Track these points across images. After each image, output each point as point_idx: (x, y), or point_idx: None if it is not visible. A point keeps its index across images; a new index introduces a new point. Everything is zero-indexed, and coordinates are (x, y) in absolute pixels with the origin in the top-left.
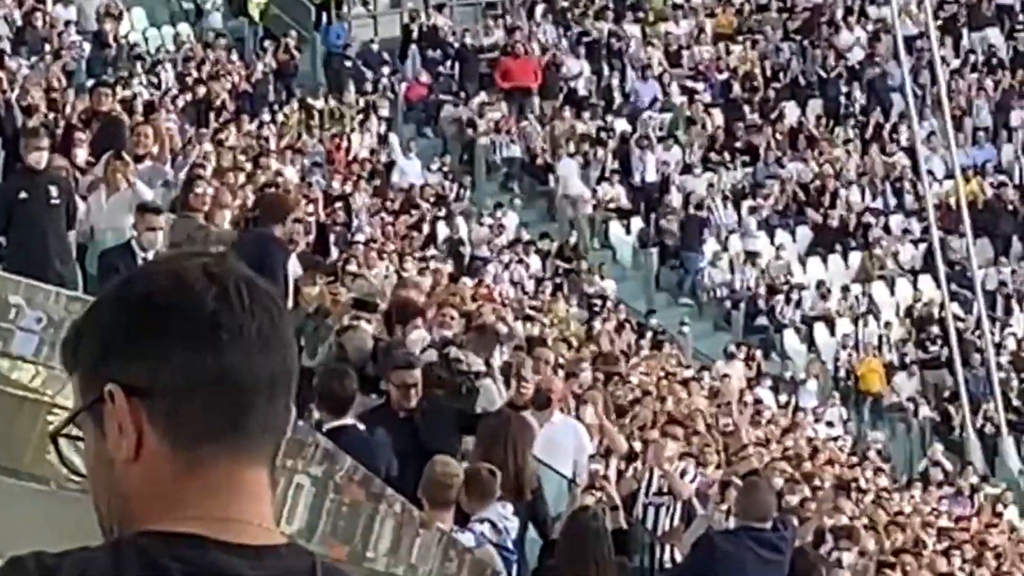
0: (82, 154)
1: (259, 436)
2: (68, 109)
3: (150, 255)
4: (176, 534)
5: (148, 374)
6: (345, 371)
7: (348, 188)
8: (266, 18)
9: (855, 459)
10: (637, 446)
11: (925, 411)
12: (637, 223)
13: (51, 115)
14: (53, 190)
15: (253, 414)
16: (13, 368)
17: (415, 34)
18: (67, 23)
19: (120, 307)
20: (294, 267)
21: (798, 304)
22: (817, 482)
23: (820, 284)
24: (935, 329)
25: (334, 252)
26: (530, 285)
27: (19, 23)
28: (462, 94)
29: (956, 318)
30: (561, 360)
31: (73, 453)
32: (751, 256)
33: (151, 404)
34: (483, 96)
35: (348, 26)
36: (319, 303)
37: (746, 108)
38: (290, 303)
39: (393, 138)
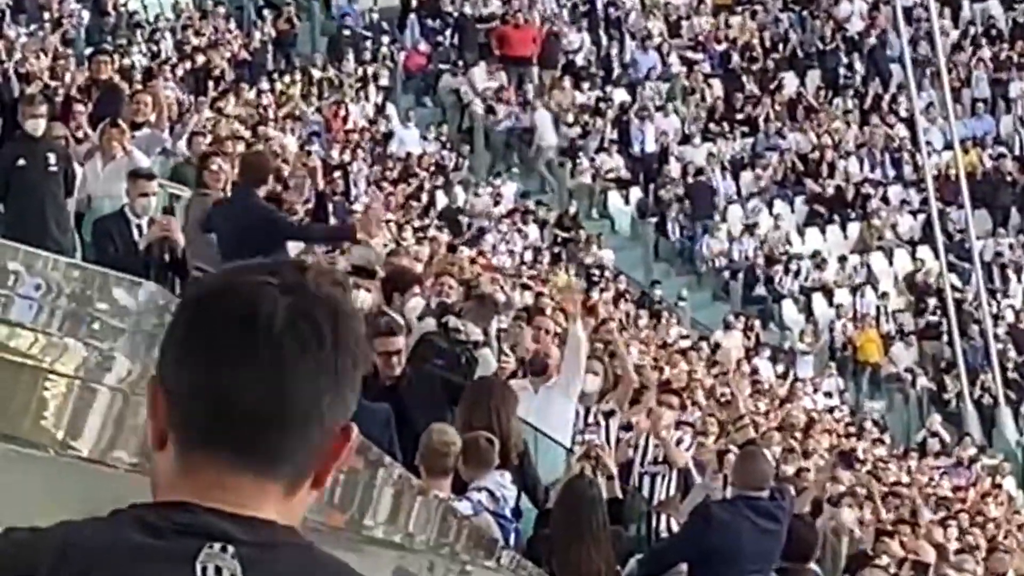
0: (83, 123)
1: (266, 460)
2: (67, 78)
3: (143, 221)
4: (170, 502)
5: (171, 373)
6: None
7: (347, 157)
8: None
9: (852, 429)
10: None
11: (923, 382)
12: (636, 193)
13: (52, 84)
14: (51, 157)
15: (257, 439)
16: (12, 335)
17: (414, 3)
18: None
19: (182, 302)
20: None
21: (796, 274)
22: (814, 452)
23: (817, 254)
24: (933, 300)
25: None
26: (528, 254)
27: None
28: (460, 63)
29: (954, 289)
30: (558, 330)
31: None
32: (749, 226)
33: (171, 401)
34: (482, 66)
35: None
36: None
37: (745, 79)
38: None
39: (392, 107)
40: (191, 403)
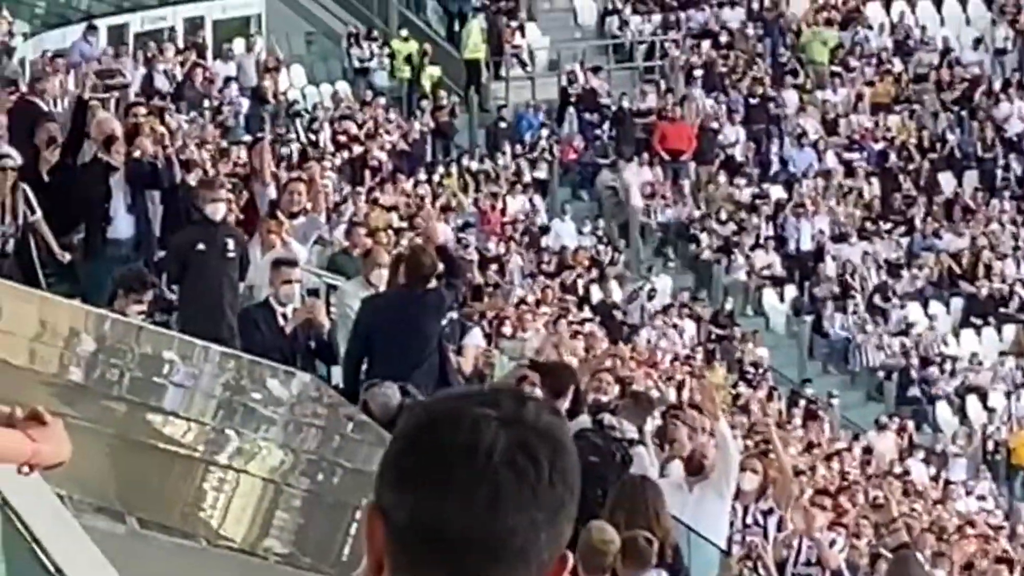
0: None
1: None
2: (228, 165)
3: (288, 309)
4: None
5: (389, 501)
6: None
7: (502, 249)
8: (434, 84)
9: (1006, 533)
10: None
11: None
12: (791, 291)
13: (212, 170)
14: (230, 242)
15: (472, 572)
16: (165, 423)
17: (572, 96)
18: (227, 79)
19: (401, 429)
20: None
21: (951, 376)
22: (967, 556)
23: (973, 356)
24: None
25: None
26: (684, 351)
27: (179, 78)
28: (617, 157)
29: None
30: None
31: None
32: (905, 327)
33: (389, 528)
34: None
35: (506, 87)
36: (475, 365)
37: (902, 178)
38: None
39: (548, 200)
40: (408, 532)
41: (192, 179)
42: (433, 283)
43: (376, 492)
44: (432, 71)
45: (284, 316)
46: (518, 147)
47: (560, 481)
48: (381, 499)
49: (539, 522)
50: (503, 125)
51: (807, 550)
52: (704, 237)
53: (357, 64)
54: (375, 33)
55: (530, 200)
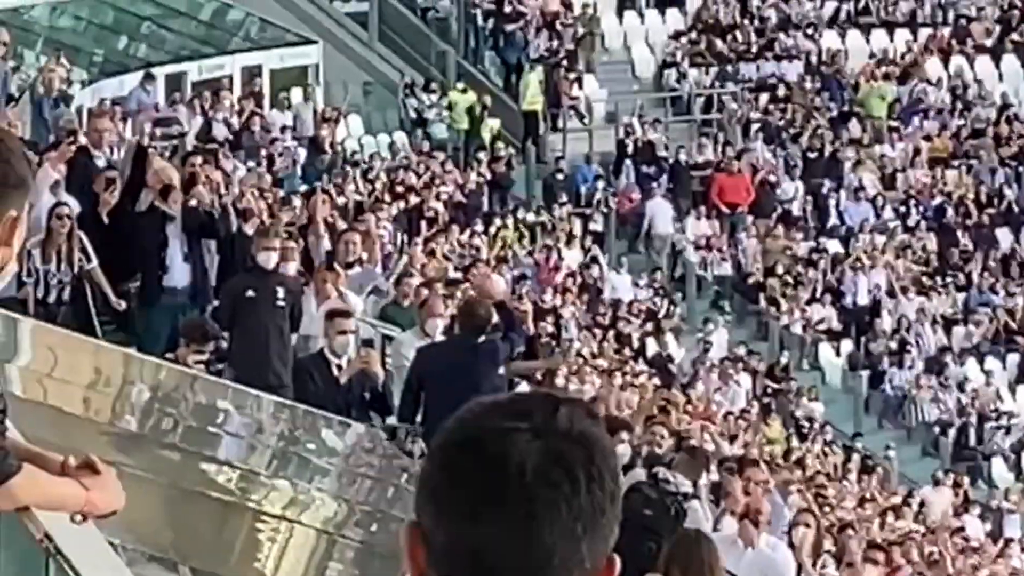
0: (293, 266)
1: None
2: (286, 214)
3: (343, 360)
4: None
5: (427, 521)
6: None
7: (558, 301)
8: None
9: None
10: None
11: None
12: (847, 345)
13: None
14: (280, 291)
15: None
16: (219, 472)
17: (629, 149)
18: (283, 128)
19: (434, 446)
20: None
21: (1007, 432)
22: None
23: None
24: None
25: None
26: (739, 404)
27: (237, 127)
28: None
29: None
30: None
31: None
32: (961, 382)
33: (429, 548)
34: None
35: (563, 139)
36: None
37: (959, 233)
38: None
39: (604, 252)
40: (446, 555)
41: (248, 228)
42: (488, 333)
43: (415, 510)
44: (490, 122)
45: (339, 367)
46: (574, 199)
47: (598, 487)
48: (420, 518)
49: (579, 534)
50: (560, 177)
51: None
52: (760, 290)
53: (414, 115)
54: (433, 84)
55: (586, 252)
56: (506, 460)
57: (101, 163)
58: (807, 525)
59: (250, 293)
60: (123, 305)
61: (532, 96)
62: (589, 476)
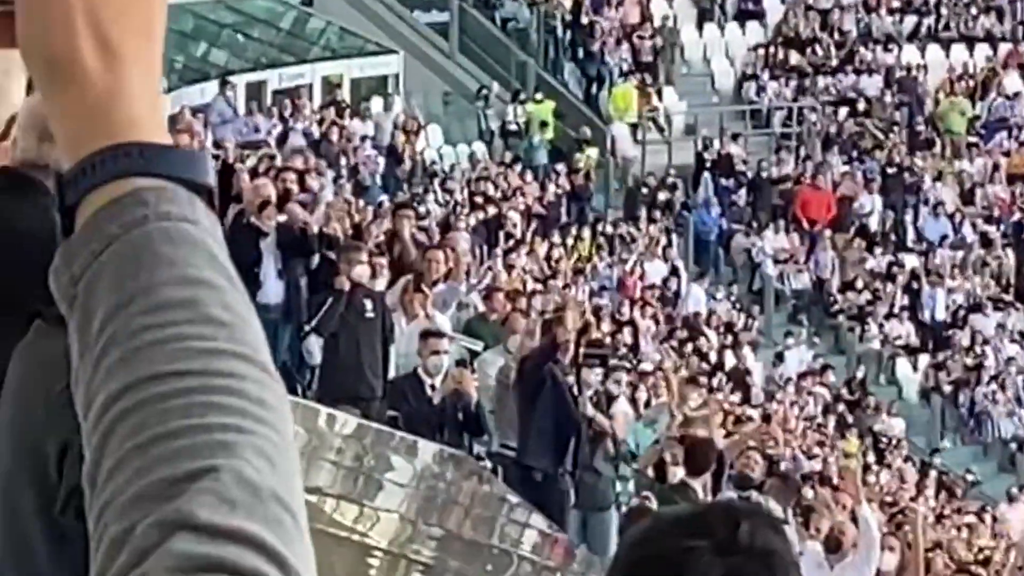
0: (382, 281)
1: None
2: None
3: (437, 380)
4: None
5: None
6: (648, 514)
7: (636, 314)
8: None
9: None
10: None
11: None
12: (924, 360)
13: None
14: (368, 303)
15: None
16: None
17: (708, 161)
18: (363, 138)
19: (615, 560)
20: None
21: None
22: None
23: None
24: None
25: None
26: (817, 419)
27: (316, 136)
28: (753, 224)
29: None
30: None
31: None
32: None
33: None
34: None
35: (643, 152)
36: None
37: None
38: None
39: (681, 265)
40: None
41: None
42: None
43: None
44: (570, 131)
45: (432, 387)
46: (655, 212)
47: None
48: None
49: None
50: (642, 190)
51: None
52: (838, 305)
53: (494, 125)
54: (522, 95)
55: (666, 265)
56: None
57: None
58: (891, 549)
59: (339, 308)
60: None
61: (624, 108)
62: None
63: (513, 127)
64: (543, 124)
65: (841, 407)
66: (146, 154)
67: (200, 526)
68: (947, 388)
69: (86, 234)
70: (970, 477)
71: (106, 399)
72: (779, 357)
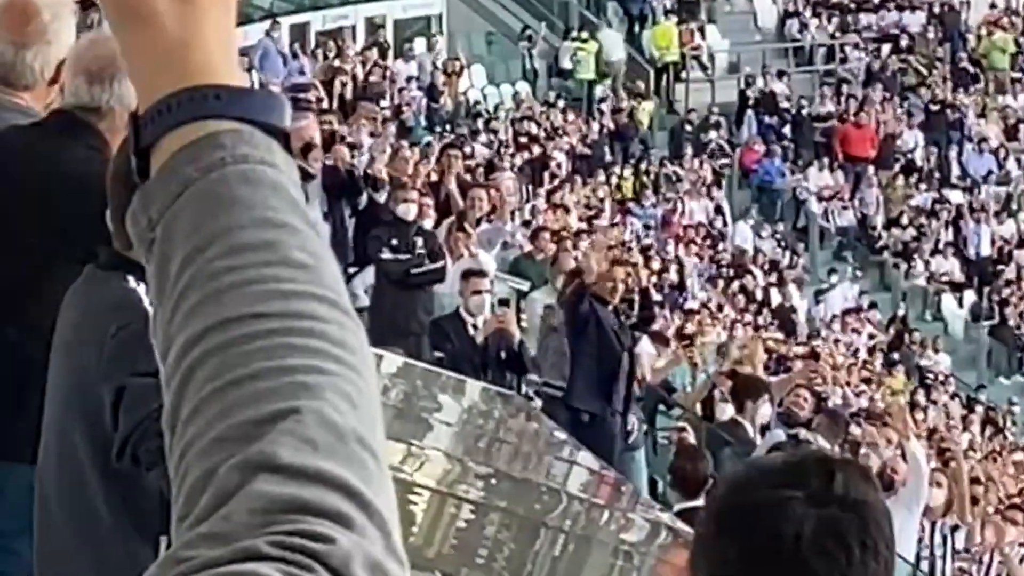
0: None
1: None
2: (412, 169)
3: (479, 320)
4: None
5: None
6: (697, 451)
7: (681, 252)
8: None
9: None
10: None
11: None
12: (970, 296)
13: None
14: (419, 241)
15: None
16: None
17: (751, 100)
18: (408, 79)
19: (709, 509)
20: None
21: None
22: None
23: None
24: None
25: (672, 317)
26: (862, 356)
27: (360, 77)
28: (799, 162)
29: None
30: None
31: None
32: None
33: None
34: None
35: (687, 90)
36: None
37: None
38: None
39: (726, 204)
40: None
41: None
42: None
43: (689, 561)
44: (616, 67)
45: (474, 327)
46: (702, 150)
47: (872, 558)
48: (695, 573)
49: None
50: (686, 128)
51: (998, 565)
52: (883, 242)
53: (537, 65)
54: (573, 32)
55: (712, 203)
56: (781, 533)
57: None
58: (939, 484)
59: (394, 242)
60: None
61: (666, 46)
62: (863, 546)
63: (567, 65)
64: (586, 62)
65: (887, 344)
66: (222, 97)
67: (282, 467)
68: (992, 324)
69: (163, 177)
70: (1016, 410)
71: (185, 342)
72: (820, 295)
